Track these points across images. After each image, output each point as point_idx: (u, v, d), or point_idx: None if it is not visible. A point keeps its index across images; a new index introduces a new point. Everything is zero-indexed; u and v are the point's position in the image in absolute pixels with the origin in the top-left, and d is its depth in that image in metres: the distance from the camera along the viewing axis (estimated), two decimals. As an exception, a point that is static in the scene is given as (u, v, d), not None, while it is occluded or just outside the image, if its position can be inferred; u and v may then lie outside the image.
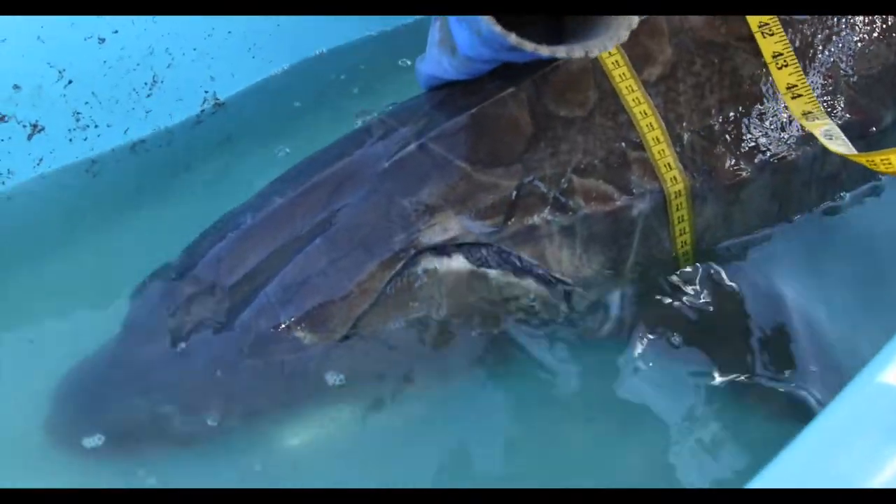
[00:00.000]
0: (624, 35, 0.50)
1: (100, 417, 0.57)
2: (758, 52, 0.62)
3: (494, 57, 0.56)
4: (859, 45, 0.66)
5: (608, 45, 0.50)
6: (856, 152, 0.57)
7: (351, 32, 0.91)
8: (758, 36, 0.62)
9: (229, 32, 0.82)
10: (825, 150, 0.64)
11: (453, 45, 0.57)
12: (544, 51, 0.49)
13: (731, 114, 0.61)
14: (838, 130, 0.59)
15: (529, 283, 0.58)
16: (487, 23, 0.48)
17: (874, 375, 0.41)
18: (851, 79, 0.66)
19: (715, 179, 0.60)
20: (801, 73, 0.61)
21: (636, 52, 0.60)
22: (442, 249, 0.56)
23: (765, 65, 0.62)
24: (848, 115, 0.65)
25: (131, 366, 0.59)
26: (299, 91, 0.87)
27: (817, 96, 0.64)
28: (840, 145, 0.57)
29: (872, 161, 0.55)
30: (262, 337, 0.56)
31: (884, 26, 0.67)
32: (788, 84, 0.61)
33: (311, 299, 0.56)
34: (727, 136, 0.61)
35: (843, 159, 0.66)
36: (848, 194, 0.68)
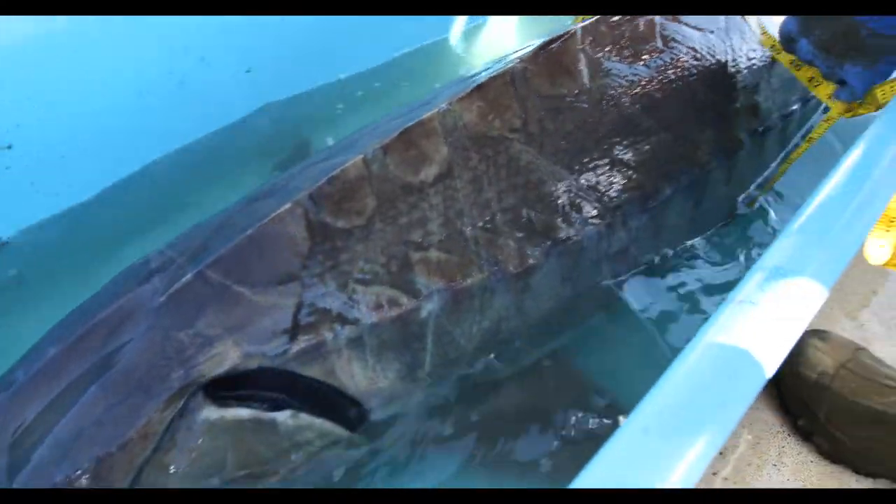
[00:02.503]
0: None
1: None
2: (532, 142, 0.67)
3: None
4: (631, 120, 0.72)
5: None
6: None
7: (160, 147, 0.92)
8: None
9: (7, 168, 0.81)
10: (610, 227, 0.69)
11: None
12: None
13: (511, 203, 0.65)
14: None
15: (322, 424, 0.58)
16: None
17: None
18: (626, 156, 0.71)
19: (502, 271, 0.63)
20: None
21: (411, 154, 0.63)
22: (223, 398, 0.56)
23: (540, 153, 0.67)
24: (627, 194, 0.70)
25: None
26: (102, 222, 0.86)
27: (595, 174, 0.69)
28: None
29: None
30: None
31: (651, 102, 0.73)
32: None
33: (87, 453, 0.54)
34: (509, 226, 0.64)
35: (630, 234, 0.71)
36: (640, 268, 0.73)
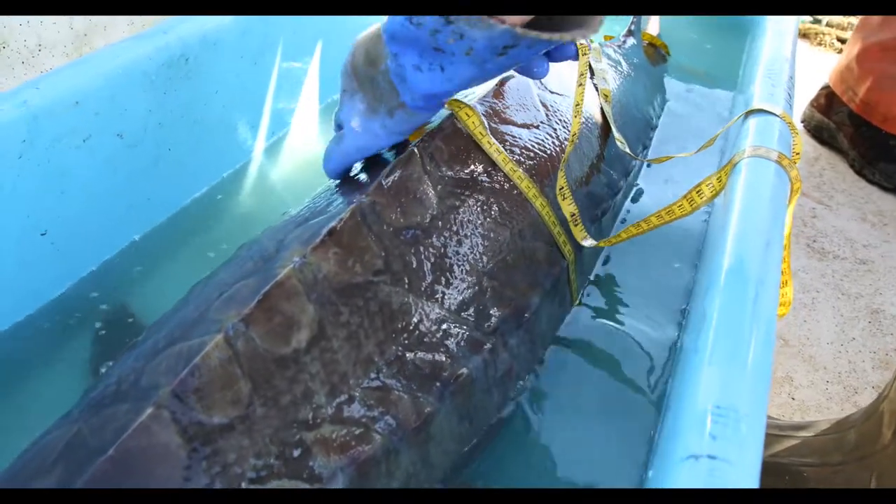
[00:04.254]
0: (597, 27, 0.56)
1: None
2: (399, 281, 0.64)
3: (475, 77, 0.59)
4: (487, 237, 0.71)
5: (588, 34, 0.55)
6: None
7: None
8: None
9: None
10: (493, 351, 0.68)
11: (394, 105, 0.63)
12: (544, 36, 0.52)
13: (395, 352, 0.62)
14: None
15: None
16: (490, 25, 0.51)
17: None
18: (493, 274, 0.70)
19: (401, 427, 0.59)
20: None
21: (276, 321, 0.58)
22: None
23: (409, 290, 0.64)
24: (503, 310, 0.69)
25: None
26: None
27: (468, 301, 0.68)
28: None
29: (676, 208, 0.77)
30: None
31: (501, 213, 0.73)
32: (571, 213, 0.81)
33: None
34: (398, 378, 0.61)
35: (511, 353, 0.70)
36: (522, 383, 0.73)
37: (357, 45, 0.69)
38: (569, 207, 0.81)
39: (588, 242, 0.81)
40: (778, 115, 0.79)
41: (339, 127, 0.73)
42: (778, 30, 1.04)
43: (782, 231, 0.61)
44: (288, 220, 0.76)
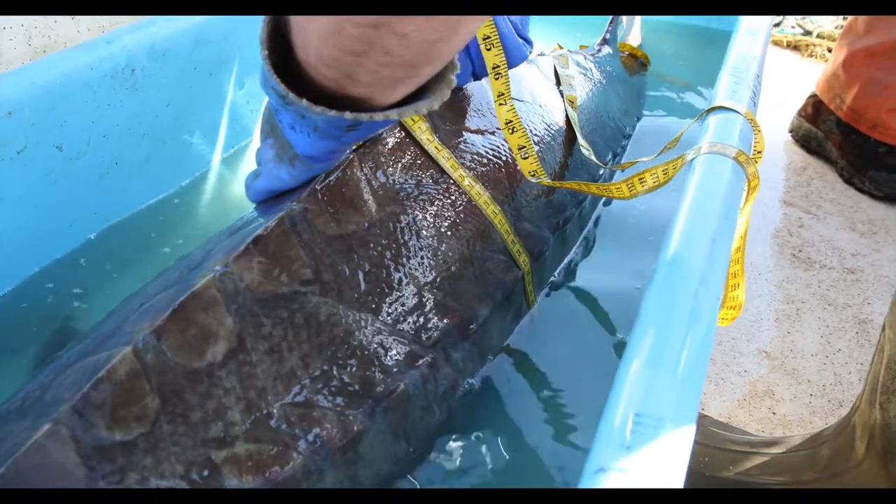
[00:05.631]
0: (447, 94, 0.52)
1: None
2: (329, 292, 0.60)
3: (337, 147, 0.59)
4: (430, 245, 0.68)
5: (434, 105, 0.52)
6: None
7: None
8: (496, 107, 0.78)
9: None
10: (433, 366, 0.64)
11: (293, 156, 0.62)
12: (379, 117, 0.51)
13: (320, 367, 0.58)
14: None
15: None
16: (321, 112, 0.50)
17: None
18: (435, 285, 0.66)
19: (324, 447, 0.56)
20: (528, 136, 0.79)
21: (191, 333, 0.55)
22: None
23: (340, 301, 0.61)
24: (445, 322, 0.65)
25: None
26: None
27: (406, 313, 0.64)
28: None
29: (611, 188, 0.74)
30: None
31: (448, 221, 0.70)
32: (519, 145, 0.79)
33: None
34: (324, 394, 0.57)
35: (455, 367, 0.66)
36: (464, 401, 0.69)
37: None
38: (517, 140, 0.79)
39: (535, 179, 0.79)
40: (741, 113, 0.76)
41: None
42: (749, 29, 1.01)
43: (733, 228, 0.57)
44: (224, 229, 0.73)
